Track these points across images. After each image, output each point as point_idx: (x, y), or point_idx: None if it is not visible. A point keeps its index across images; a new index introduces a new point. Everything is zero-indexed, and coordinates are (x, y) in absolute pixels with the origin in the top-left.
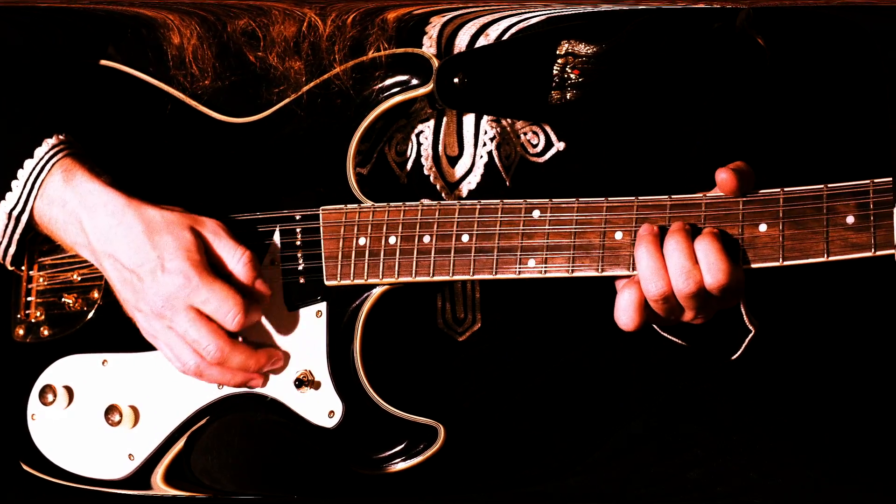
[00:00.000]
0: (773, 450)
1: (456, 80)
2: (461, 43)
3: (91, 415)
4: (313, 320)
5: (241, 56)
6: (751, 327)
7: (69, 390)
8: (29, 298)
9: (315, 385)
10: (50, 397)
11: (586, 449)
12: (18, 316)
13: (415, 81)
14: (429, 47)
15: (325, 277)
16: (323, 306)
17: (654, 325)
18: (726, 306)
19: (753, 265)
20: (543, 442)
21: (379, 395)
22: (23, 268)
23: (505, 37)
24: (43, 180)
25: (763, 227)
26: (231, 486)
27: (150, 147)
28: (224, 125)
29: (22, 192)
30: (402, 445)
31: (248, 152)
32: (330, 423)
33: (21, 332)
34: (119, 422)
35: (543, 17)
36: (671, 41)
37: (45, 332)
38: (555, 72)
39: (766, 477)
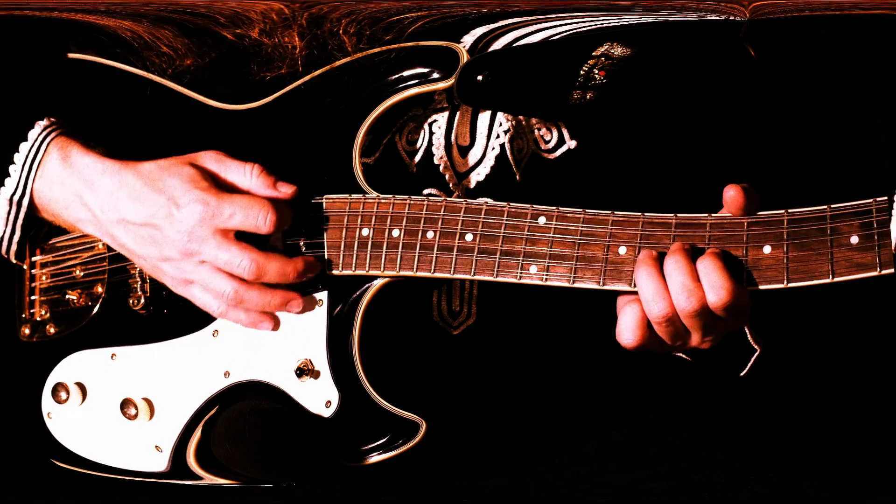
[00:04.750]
0: (767, 463)
1: (480, 77)
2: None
3: (107, 410)
4: (314, 309)
5: (215, 35)
6: (756, 346)
7: (81, 387)
8: (33, 297)
9: (315, 374)
10: (63, 395)
11: (566, 449)
12: (23, 315)
13: (436, 75)
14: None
15: (326, 267)
16: (324, 295)
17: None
18: (734, 328)
19: (759, 287)
20: (523, 438)
21: (373, 387)
22: (25, 266)
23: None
24: (40, 161)
25: (767, 249)
26: (255, 473)
27: (150, 140)
28: (226, 113)
29: (20, 176)
30: (385, 438)
31: (251, 139)
32: (327, 412)
33: (27, 331)
34: (136, 415)
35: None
36: (692, 53)
37: (52, 330)
38: (582, 71)
39: (766, 489)
